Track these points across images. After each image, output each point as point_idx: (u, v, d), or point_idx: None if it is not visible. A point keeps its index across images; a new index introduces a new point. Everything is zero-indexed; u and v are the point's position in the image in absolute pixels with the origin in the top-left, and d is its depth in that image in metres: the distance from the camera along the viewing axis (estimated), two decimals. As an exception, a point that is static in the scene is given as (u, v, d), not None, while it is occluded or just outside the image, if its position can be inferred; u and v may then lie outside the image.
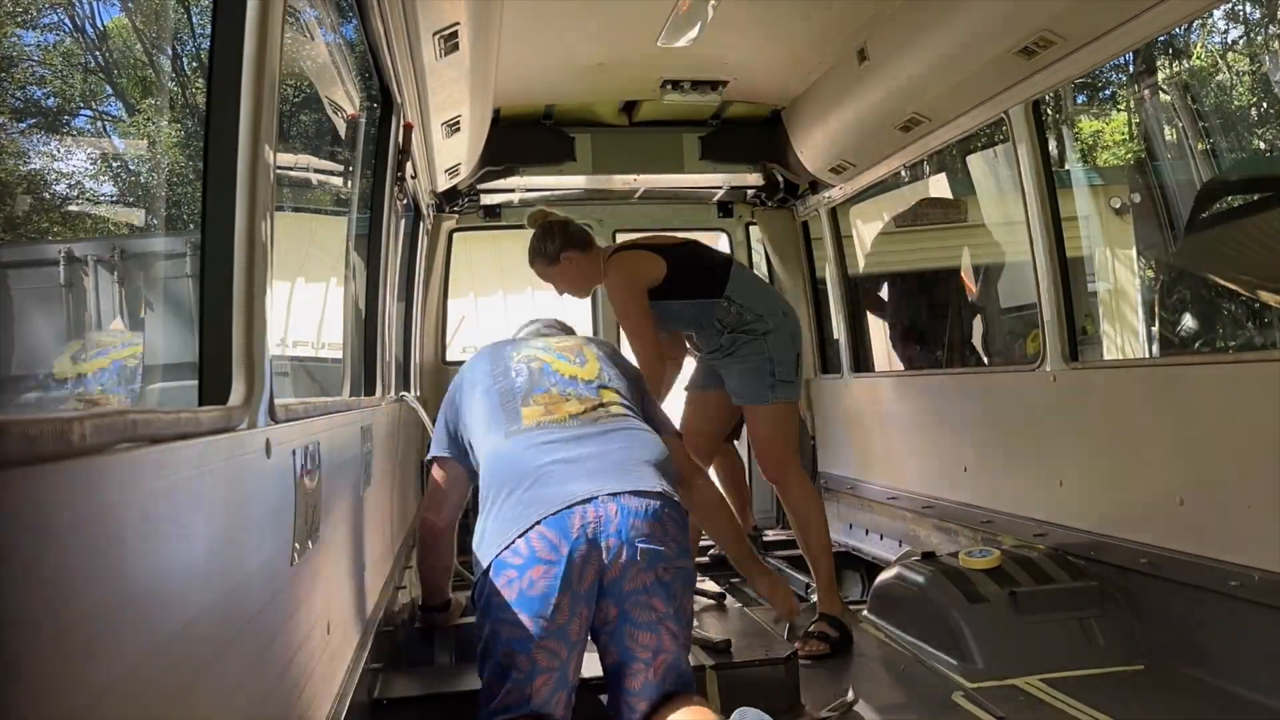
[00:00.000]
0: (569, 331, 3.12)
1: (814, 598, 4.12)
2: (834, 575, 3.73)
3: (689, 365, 4.25)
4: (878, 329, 7.30)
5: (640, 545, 2.30)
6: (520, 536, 2.28)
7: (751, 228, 6.10)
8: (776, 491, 3.88)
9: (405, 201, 3.94)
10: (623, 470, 2.40)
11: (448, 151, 4.46)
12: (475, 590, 2.40)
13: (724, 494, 4.06)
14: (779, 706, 2.84)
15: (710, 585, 3.77)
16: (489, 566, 2.31)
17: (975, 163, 7.67)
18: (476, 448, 2.61)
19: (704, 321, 3.78)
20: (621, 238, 5.92)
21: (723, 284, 3.73)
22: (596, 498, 2.30)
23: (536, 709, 2.30)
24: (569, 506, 2.28)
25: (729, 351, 3.77)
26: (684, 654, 2.43)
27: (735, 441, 4.69)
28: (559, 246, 3.77)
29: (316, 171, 4.05)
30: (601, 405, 2.62)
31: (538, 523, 2.27)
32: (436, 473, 2.82)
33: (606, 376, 2.74)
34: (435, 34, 3.03)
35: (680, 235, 4.11)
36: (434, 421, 2.85)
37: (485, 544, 2.36)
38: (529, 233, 3.89)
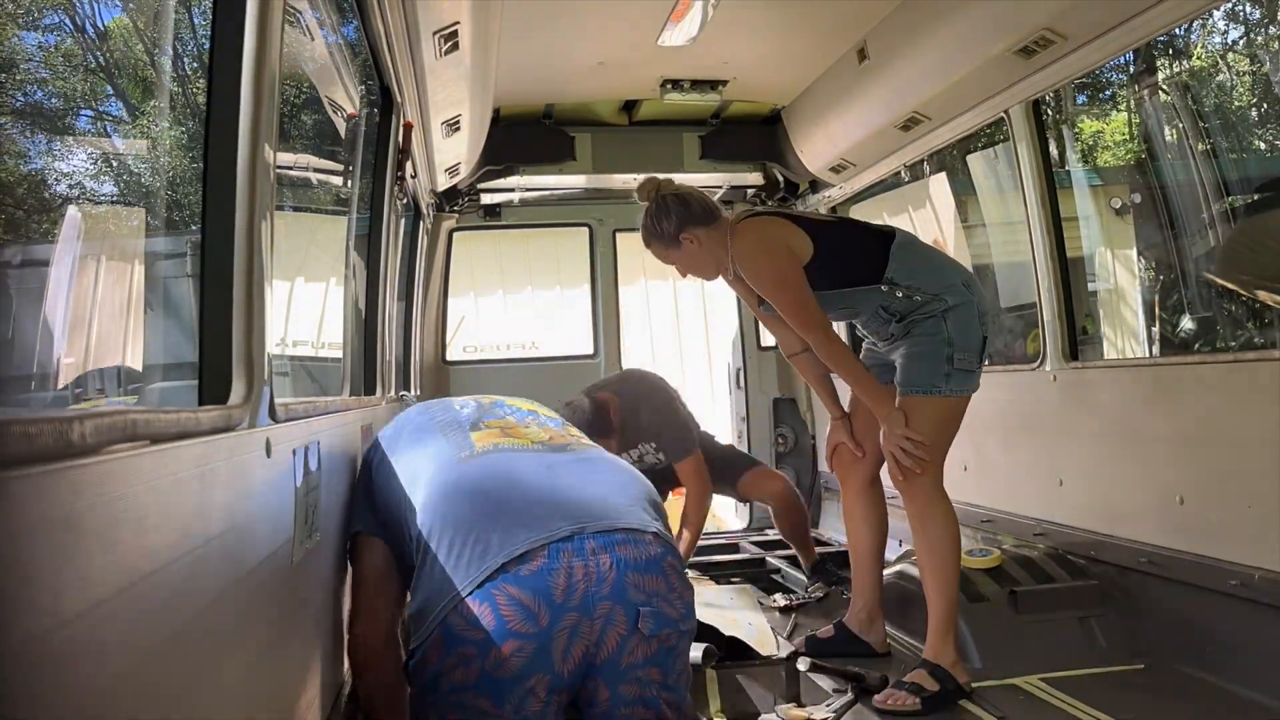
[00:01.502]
0: None
1: (815, 594, 4.11)
2: (952, 619, 2.98)
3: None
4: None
5: (643, 609, 1.82)
6: (477, 591, 1.75)
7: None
8: (903, 501, 3.07)
9: (405, 201, 3.94)
10: (608, 503, 1.91)
11: (448, 151, 4.46)
12: (413, 660, 1.84)
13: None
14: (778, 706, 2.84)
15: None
16: (435, 631, 1.79)
17: (975, 162, 7.67)
18: (410, 492, 2.02)
19: (865, 310, 3.10)
20: (622, 238, 5.92)
21: (881, 266, 3.01)
22: (583, 537, 1.81)
23: None
24: (547, 546, 1.78)
25: (902, 336, 3.06)
26: None
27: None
28: (677, 226, 3.10)
29: (316, 171, 4.04)
30: (570, 435, 2.19)
31: (502, 569, 1.76)
32: (364, 557, 2.15)
33: (568, 423, 2.32)
34: (435, 33, 3.03)
35: (829, 216, 3.61)
36: None
37: (428, 599, 1.82)
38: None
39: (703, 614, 3.08)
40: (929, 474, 2.97)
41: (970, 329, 2.97)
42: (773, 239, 3.03)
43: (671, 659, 1.90)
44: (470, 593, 1.77)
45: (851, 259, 3.06)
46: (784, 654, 2.94)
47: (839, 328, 3.61)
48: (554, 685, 1.79)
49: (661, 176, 3.24)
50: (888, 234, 3.14)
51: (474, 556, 1.80)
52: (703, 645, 2.90)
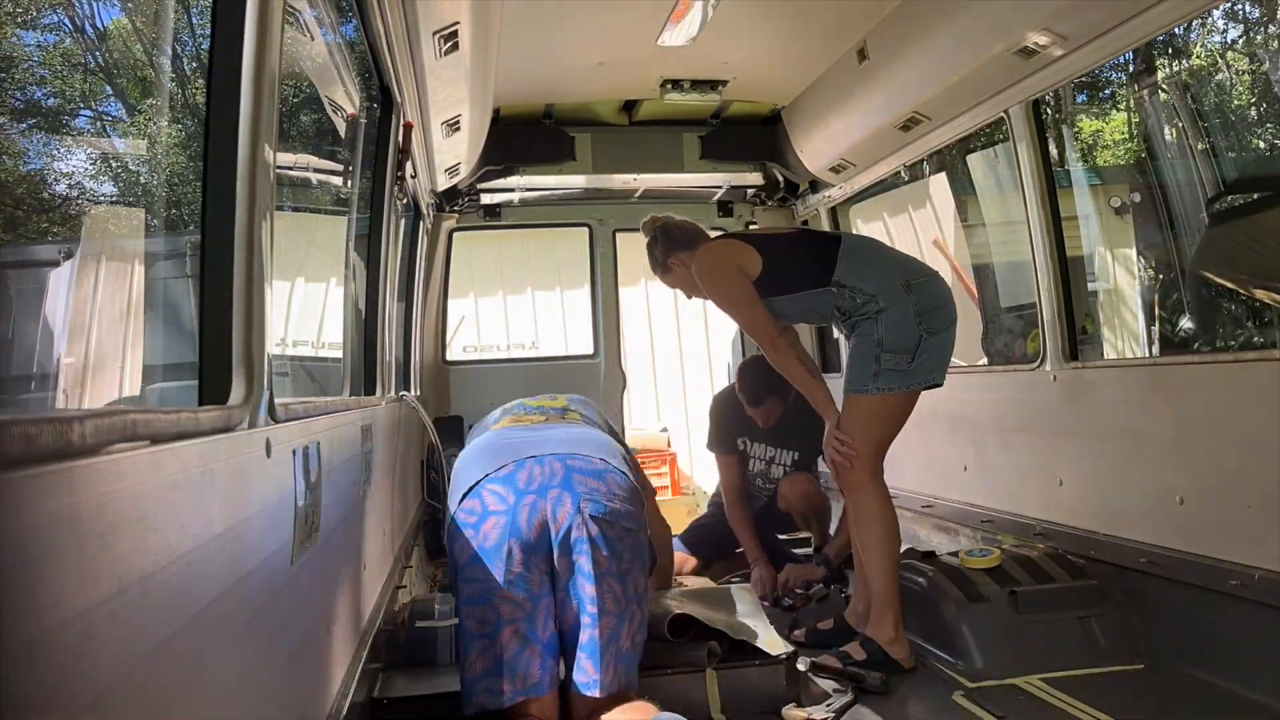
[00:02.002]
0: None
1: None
2: (889, 600, 3.18)
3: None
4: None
5: (584, 495, 2.46)
6: (471, 491, 2.49)
7: (752, 227, 6.10)
8: (845, 499, 3.40)
9: (405, 201, 3.94)
10: (573, 445, 2.61)
11: (448, 151, 4.46)
12: (448, 558, 2.57)
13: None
14: (778, 706, 2.84)
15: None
16: (451, 526, 2.52)
17: (975, 162, 7.67)
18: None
19: (823, 313, 3.33)
20: (622, 238, 5.93)
21: (830, 268, 3.20)
22: (542, 456, 2.52)
23: (510, 667, 2.40)
24: (518, 461, 2.50)
25: (849, 334, 3.29)
26: (627, 627, 2.49)
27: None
28: (663, 253, 3.53)
29: (316, 171, 4.04)
30: (564, 416, 2.91)
31: (485, 477, 2.49)
32: None
33: (575, 409, 2.99)
34: (435, 33, 3.03)
35: (786, 227, 3.91)
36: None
37: (449, 503, 2.58)
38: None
39: (706, 615, 3.09)
40: (862, 467, 3.21)
41: (902, 331, 3.13)
42: (720, 261, 3.37)
43: (618, 545, 2.46)
44: (466, 497, 2.50)
45: (800, 266, 3.29)
46: (785, 654, 2.94)
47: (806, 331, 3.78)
48: (526, 549, 2.42)
49: (663, 215, 3.62)
50: (834, 238, 3.46)
51: (470, 474, 2.55)
52: (706, 644, 2.93)
